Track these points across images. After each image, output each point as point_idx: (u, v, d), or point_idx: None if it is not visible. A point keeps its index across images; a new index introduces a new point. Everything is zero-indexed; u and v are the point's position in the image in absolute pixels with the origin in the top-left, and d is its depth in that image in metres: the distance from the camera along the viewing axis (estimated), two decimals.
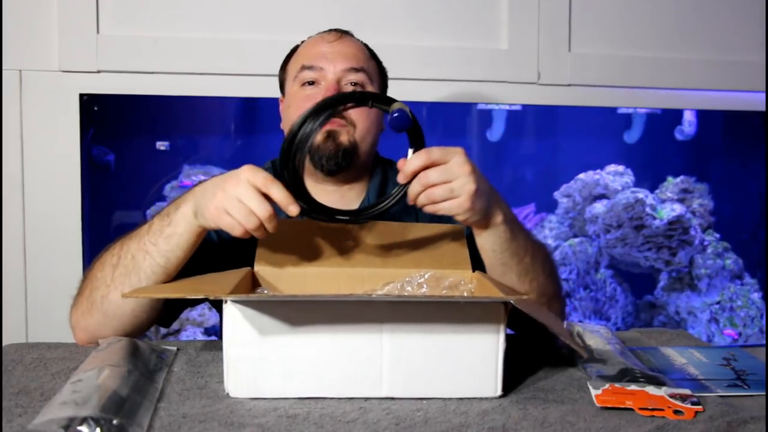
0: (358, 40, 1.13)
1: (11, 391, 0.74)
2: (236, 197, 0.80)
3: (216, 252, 0.97)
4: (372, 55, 1.14)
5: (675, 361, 0.89)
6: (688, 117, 2.43)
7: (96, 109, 1.74)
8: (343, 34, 1.11)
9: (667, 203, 2.39)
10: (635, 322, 2.42)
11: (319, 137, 1.04)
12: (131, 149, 2.22)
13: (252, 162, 0.85)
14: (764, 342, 2.23)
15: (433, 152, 0.83)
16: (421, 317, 0.73)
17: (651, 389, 0.74)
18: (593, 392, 0.74)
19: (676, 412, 0.70)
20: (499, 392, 0.75)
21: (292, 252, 0.92)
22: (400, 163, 0.85)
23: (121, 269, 0.88)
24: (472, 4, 1.68)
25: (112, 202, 2.11)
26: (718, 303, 2.32)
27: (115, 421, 0.61)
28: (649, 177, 2.49)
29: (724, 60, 1.78)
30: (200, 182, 1.10)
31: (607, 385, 0.75)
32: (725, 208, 2.48)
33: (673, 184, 2.46)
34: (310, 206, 0.86)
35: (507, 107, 2.36)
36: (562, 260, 2.40)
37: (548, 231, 2.49)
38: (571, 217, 2.50)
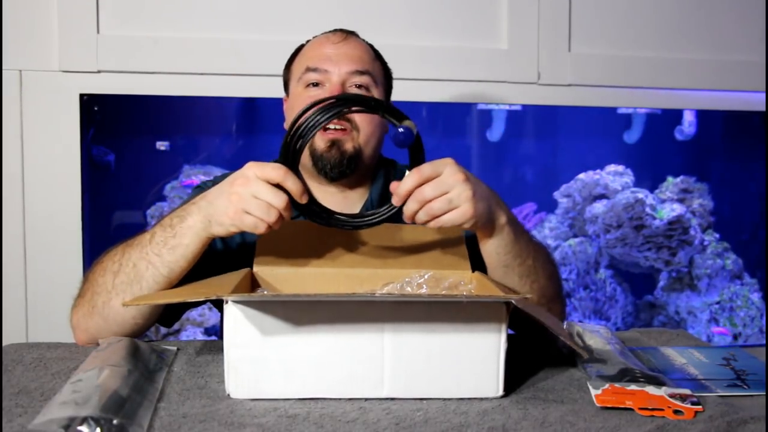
0: (364, 40, 1.12)
1: (11, 391, 0.74)
2: (251, 195, 0.80)
3: (218, 259, 0.97)
4: (377, 55, 1.13)
5: (675, 361, 0.89)
6: (688, 117, 2.43)
7: (96, 109, 1.74)
8: (349, 34, 1.10)
9: (667, 203, 2.40)
10: (635, 322, 2.42)
11: (322, 145, 1.03)
12: (131, 149, 2.22)
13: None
14: (764, 342, 2.23)
15: (424, 169, 0.83)
16: (422, 317, 0.73)
17: (651, 389, 0.74)
18: (593, 392, 0.74)
19: (676, 412, 0.70)
20: (500, 392, 0.75)
21: (292, 253, 0.92)
22: (393, 186, 0.84)
23: (122, 277, 0.88)
24: (472, 4, 1.68)
25: (112, 202, 2.11)
26: (718, 303, 2.32)
27: (115, 421, 0.61)
28: (649, 177, 2.49)
29: (724, 60, 1.78)
30: (197, 188, 1.11)
31: (607, 385, 0.75)
32: (725, 208, 2.48)
33: (673, 184, 2.46)
34: (308, 205, 0.86)
35: (507, 107, 2.36)
36: (562, 260, 2.40)
37: (548, 231, 2.49)
38: (571, 217, 2.50)
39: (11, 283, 1.53)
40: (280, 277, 0.89)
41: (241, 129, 2.30)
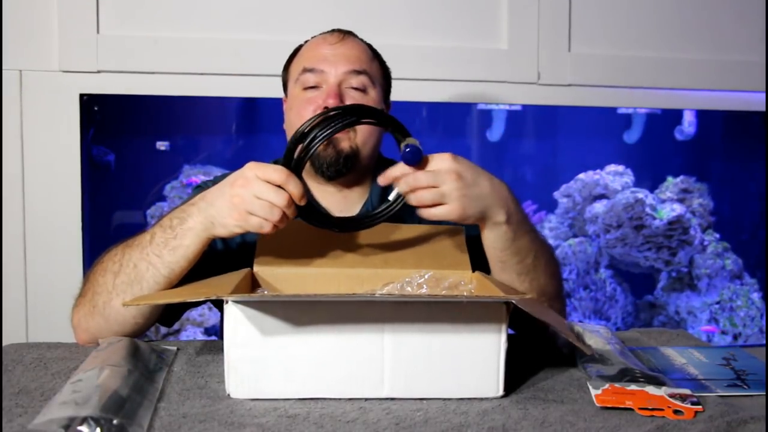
0: (362, 40, 1.12)
1: (11, 391, 0.74)
2: (253, 195, 0.80)
3: (219, 259, 0.97)
4: (375, 55, 1.12)
5: (675, 361, 0.89)
6: (688, 117, 2.43)
7: (96, 109, 1.74)
8: (346, 34, 1.10)
9: (667, 203, 2.40)
10: (635, 322, 2.42)
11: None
12: (131, 149, 2.22)
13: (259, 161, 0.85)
14: (764, 342, 2.23)
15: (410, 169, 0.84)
16: (422, 317, 0.73)
17: (651, 389, 0.74)
18: (593, 392, 0.74)
19: (676, 412, 0.70)
20: (500, 392, 0.75)
21: (292, 253, 0.92)
22: (386, 172, 0.86)
23: (123, 277, 0.88)
24: (472, 4, 1.68)
25: (112, 202, 2.11)
26: (717, 303, 2.32)
27: (115, 421, 0.61)
28: (649, 177, 2.49)
29: (724, 60, 1.78)
30: (197, 188, 1.11)
31: (607, 385, 0.75)
32: (725, 208, 2.48)
33: (673, 184, 2.47)
34: (306, 208, 0.86)
35: (507, 107, 2.36)
36: (562, 260, 2.40)
37: (548, 231, 2.49)
38: (571, 217, 2.50)
39: (11, 283, 1.53)
40: (280, 277, 0.89)
41: (241, 129, 2.30)
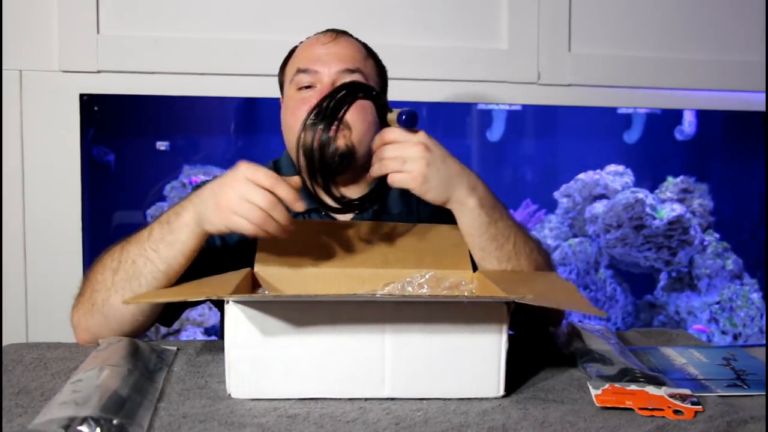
0: (356, 39, 1.12)
1: (11, 391, 0.74)
2: (239, 196, 0.81)
3: (218, 256, 0.97)
4: (370, 53, 1.12)
5: (675, 361, 0.89)
6: (688, 117, 2.43)
7: (96, 109, 1.74)
8: (339, 34, 1.10)
9: (667, 203, 2.40)
10: (635, 322, 2.42)
11: (315, 143, 1.03)
12: (131, 149, 2.22)
13: (252, 162, 0.85)
14: (764, 342, 2.23)
15: (392, 132, 0.89)
16: (423, 317, 0.73)
17: (651, 389, 0.74)
18: (593, 392, 0.74)
19: (676, 412, 0.70)
20: (501, 392, 0.75)
21: (292, 253, 0.92)
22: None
23: (121, 274, 0.88)
24: (472, 4, 1.68)
25: (112, 202, 2.11)
26: (718, 303, 2.32)
27: (115, 421, 0.61)
28: (649, 177, 2.49)
29: (724, 60, 1.78)
30: (196, 187, 1.11)
31: (607, 385, 0.75)
32: (725, 208, 2.48)
33: (673, 184, 2.47)
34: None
35: (507, 107, 2.36)
36: (562, 260, 2.40)
37: (548, 231, 2.49)
38: (571, 217, 2.50)
39: (11, 283, 1.53)
40: (280, 277, 0.89)
41: (241, 129, 2.30)
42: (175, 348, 0.90)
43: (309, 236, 0.95)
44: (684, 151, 2.52)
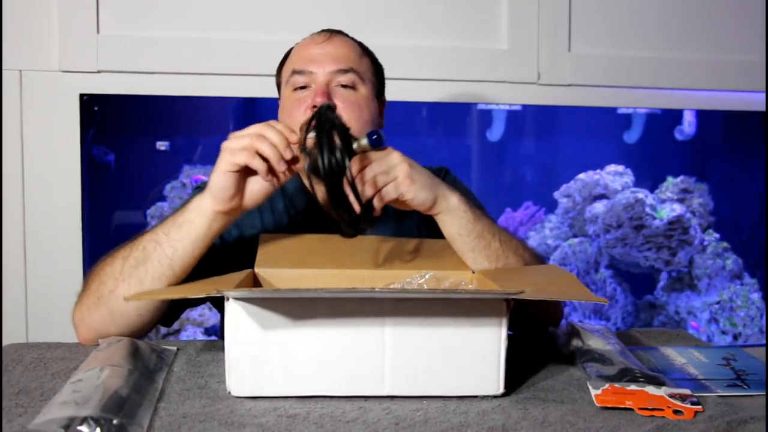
0: (351, 38, 1.12)
1: (11, 391, 0.74)
2: (227, 149, 0.84)
3: (217, 254, 0.97)
4: (365, 52, 1.12)
5: (675, 361, 0.89)
6: (688, 117, 2.43)
7: (96, 109, 1.74)
8: (333, 33, 1.10)
9: (667, 203, 2.40)
10: (635, 322, 2.42)
11: (309, 142, 1.03)
12: (131, 149, 2.22)
13: None
14: (764, 342, 2.23)
15: (365, 156, 0.88)
16: (423, 313, 0.73)
17: (651, 389, 0.74)
18: (593, 392, 0.74)
19: (676, 412, 0.70)
20: (501, 389, 0.75)
21: (293, 254, 0.92)
22: None
23: (131, 261, 0.88)
24: (472, 4, 1.68)
25: (112, 202, 2.11)
26: (717, 303, 2.32)
27: (115, 421, 0.61)
28: (649, 177, 2.50)
29: (724, 60, 1.78)
30: (197, 188, 1.12)
31: (606, 385, 0.75)
32: (725, 208, 2.48)
33: (673, 184, 2.47)
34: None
35: (507, 107, 2.36)
36: (562, 260, 2.40)
37: (548, 231, 2.49)
38: (571, 217, 2.50)
39: (11, 283, 1.53)
40: (281, 277, 0.89)
41: (241, 129, 2.30)
42: (175, 348, 0.90)
43: (309, 238, 0.95)
44: (684, 151, 2.52)
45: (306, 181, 0.95)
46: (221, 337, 1.18)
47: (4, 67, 1.51)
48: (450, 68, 1.66)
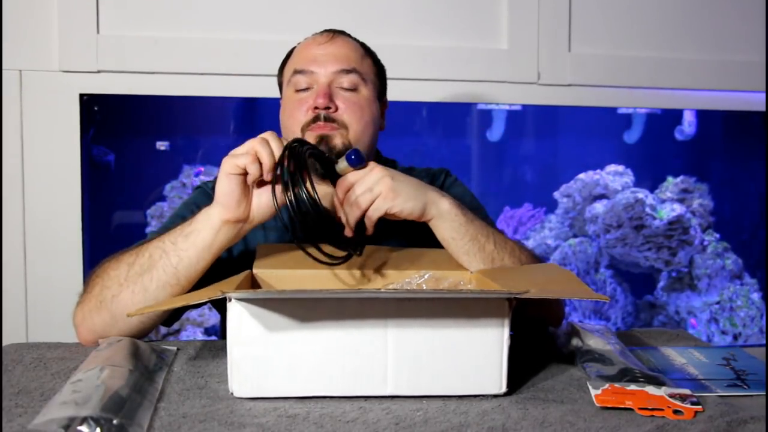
0: (353, 38, 1.12)
1: (11, 391, 0.74)
2: (232, 153, 0.86)
3: (222, 267, 0.96)
4: (368, 52, 1.12)
5: (675, 361, 0.89)
6: (688, 117, 2.43)
7: (96, 109, 1.74)
8: (336, 34, 1.10)
9: (667, 203, 2.40)
10: (635, 322, 2.42)
11: (311, 140, 1.03)
12: (131, 149, 2.22)
13: None
14: (764, 342, 2.23)
15: (346, 177, 0.90)
16: (426, 313, 0.73)
17: (651, 389, 0.74)
18: (593, 392, 0.74)
19: (676, 412, 0.70)
20: (503, 389, 0.75)
21: (291, 255, 0.92)
22: None
23: (136, 268, 0.88)
24: (472, 4, 1.68)
25: (112, 202, 2.11)
26: (718, 303, 2.32)
27: (115, 421, 0.61)
28: (649, 177, 2.50)
29: (724, 60, 1.78)
30: (196, 193, 1.13)
31: (606, 385, 0.75)
32: (725, 208, 2.48)
33: (673, 184, 2.47)
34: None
35: (507, 107, 2.36)
36: (562, 260, 2.40)
37: (548, 231, 2.49)
38: (571, 217, 2.50)
39: (11, 283, 1.53)
40: (280, 278, 0.89)
41: (241, 129, 2.30)
42: (175, 348, 0.90)
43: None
44: (684, 151, 2.52)
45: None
46: (221, 337, 1.18)
47: (4, 67, 1.51)
48: (450, 68, 1.66)
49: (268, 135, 0.86)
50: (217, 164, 2.31)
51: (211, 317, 2.14)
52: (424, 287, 0.88)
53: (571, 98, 1.73)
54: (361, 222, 0.90)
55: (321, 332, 0.72)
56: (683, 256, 2.35)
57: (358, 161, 0.88)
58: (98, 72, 1.54)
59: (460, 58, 1.67)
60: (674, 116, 2.43)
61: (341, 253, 0.88)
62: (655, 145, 2.51)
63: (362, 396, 0.73)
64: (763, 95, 1.77)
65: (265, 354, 0.72)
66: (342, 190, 0.90)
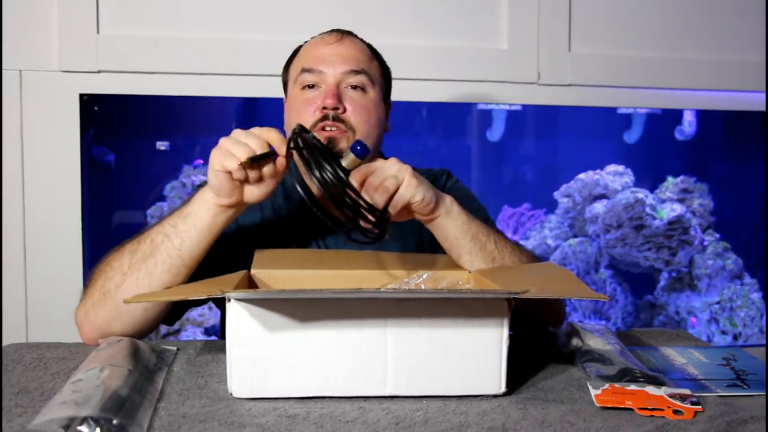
0: (361, 39, 1.12)
1: (11, 391, 0.74)
2: (218, 147, 0.88)
3: (222, 252, 0.97)
4: (375, 54, 1.12)
5: (675, 361, 0.89)
6: (688, 117, 2.43)
7: (96, 109, 1.74)
8: (344, 34, 1.10)
9: (667, 203, 2.40)
10: (635, 322, 2.42)
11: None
12: (131, 149, 2.22)
13: None
14: (764, 342, 2.23)
15: (362, 168, 0.88)
16: (424, 313, 0.73)
17: (651, 389, 0.74)
18: (593, 392, 0.74)
19: (676, 412, 0.70)
20: (503, 389, 0.75)
21: (289, 255, 0.92)
22: None
23: (139, 255, 0.89)
24: (472, 4, 1.68)
25: (112, 202, 2.11)
26: (718, 303, 2.32)
27: (115, 421, 0.61)
28: (649, 177, 2.50)
29: (724, 60, 1.78)
30: (198, 187, 1.12)
31: (606, 385, 0.75)
32: (725, 208, 2.48)
33: (673, 184, 2.47)
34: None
35: (507, 107, 2.36)
36: (562, 260, 2.40)
37: (548, 231, 2.49)
38: (571, 217, 2.50)
39: (11, 283, 1.53)
40: (278, 278, 0.89)
41: (242, 129, 2.30)
42: (175, 348, 0.90)
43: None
44: (684, 151, 2.52)
45: (307, 179, 0.95)
46: (221, 336, 1.18)
47: (4, 67, 1.51)
48: (450, 68, 1.66)
49: (236, 133, 0.90)
50: None
51: (211, 317, 2.14)
52: (423, 287, 0.88)
53: (571, 98, 1.73)
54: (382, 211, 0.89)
55: (320, 332, 0.72)
56: (683, 256, 2.35)
57: (364, 152, 0.87)
58: (98, 72, 1.54)
59: (461, 58, 1.67)
60: (674, 116, 2.43)
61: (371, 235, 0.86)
62: (655, 145, 2.51)
63: (362, 396, 0.73)
64: (763, 95, 1.77)
65: (265, 354, 0.72)
66: (361, 177, 0.87)
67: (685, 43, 1.77)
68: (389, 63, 1.16)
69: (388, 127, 1.13)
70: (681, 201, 2.42)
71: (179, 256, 0.88)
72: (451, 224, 0.93)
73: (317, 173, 0.81)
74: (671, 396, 0.73)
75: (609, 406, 0.71)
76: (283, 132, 1.13)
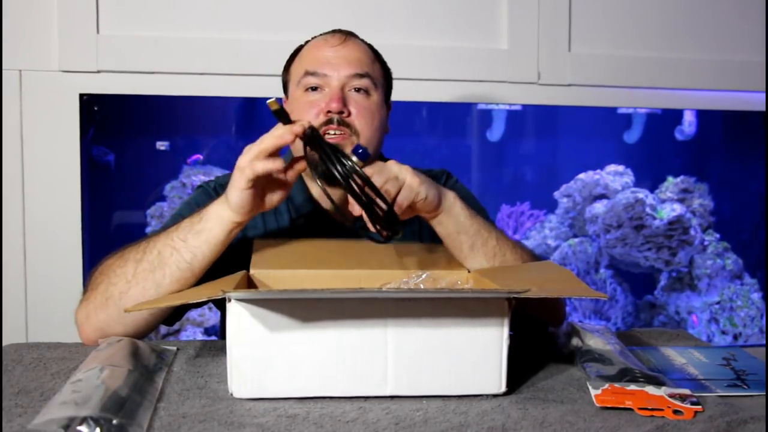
0: (363, 41, 1.12)
1: (11, 391, 0.74)
2: (240, 164, 0.85)
3: (225, 258, 0.97)
4: (377, 56, 1.12)
5: (675, 361, 0.89)
6: (688, 117, 2.43)
7: (96, 109, 1.74)
8: (348, 36, 1.09)
9: (667, 203, 2.40)
10: (635, 322, 2.42)
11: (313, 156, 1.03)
12: (131, 149, 2.22)
13: None
14: (764, 342, 2.23)
15: (365, 170, 0.87)
16: (425, 313, 0.73)
17: (651, 389, 0.74)
18: (593, 392, 0.74)
19: (676, 412, 0.70)
20: (503, 389, 0.75)
21: (288, 255, 0.92)
22: None
23: (145, 265, 0.88)
24: (472, 4, 1.68)
25: (112, 202, 2.11)
26: (718, 303, 2.32)
27: (115, 421, 0.61)
28: (649, 177, 2.50)
29: (724, 60, 1.78)
30: (197, 193, 1.12)
31: (606, 385, 0.75)
32: (725, 208, 2.48)
33: (673, 184, 2.47)
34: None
35: (507, 107, 2.36)
36: (562, 260, 2.40)
37: (548, 231, 2.49)
38: (571, 217, 2.50)
39: (11, 283, 1.53)
40: (276, 278, 0.89)
41: (241, 129, 2.31)
42: (175, 348, 0.90)
43: (303, 242, 0.96)
44: (684, 151, 2.52)
45: (313, 188, 0.95)
46: (221, 336, 1.18)
47: (4, 67, 1.51)
48: (450, 68, 1.66)
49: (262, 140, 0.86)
50: (217, 163, 2.31)
51: (211, 317, 2.14)
52: (422, 287, 0.88)
53: (571, 98, 1.73)
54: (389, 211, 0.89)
55: (321, 332, 0.72)
56: (683, 256, 2.35)
57: (366, 155, 0.88)
58: (98, 72, 1.54)
59: (461, 58, 1.67)
60: (674, 116, 2.43)
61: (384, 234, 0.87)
62: (655, 145, 2.51)
63: (362, 396, 0.73)
64: (763, 95, 1.77)
65: (265, 354, 0.72)
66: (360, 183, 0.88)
67: (684, 43, 1.77)
68: (389, 63, 1.16)
69: (389, 129, 1.13)
70: (681, 201, 2.42)
71: (189, 269, 0.88)
72: (453, 220, 0.93)
73: (339, 168, 0.82)
74: (671, 396, 0.73)
75: (609, 406, 0.71)
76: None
